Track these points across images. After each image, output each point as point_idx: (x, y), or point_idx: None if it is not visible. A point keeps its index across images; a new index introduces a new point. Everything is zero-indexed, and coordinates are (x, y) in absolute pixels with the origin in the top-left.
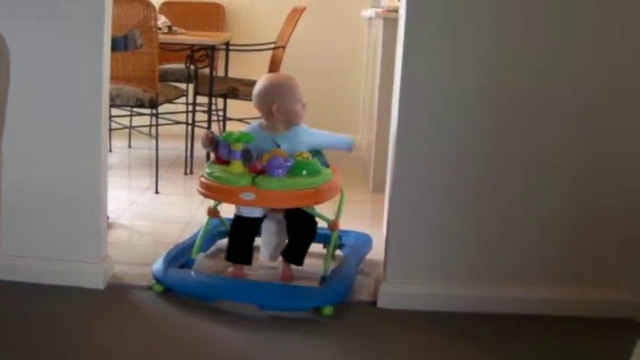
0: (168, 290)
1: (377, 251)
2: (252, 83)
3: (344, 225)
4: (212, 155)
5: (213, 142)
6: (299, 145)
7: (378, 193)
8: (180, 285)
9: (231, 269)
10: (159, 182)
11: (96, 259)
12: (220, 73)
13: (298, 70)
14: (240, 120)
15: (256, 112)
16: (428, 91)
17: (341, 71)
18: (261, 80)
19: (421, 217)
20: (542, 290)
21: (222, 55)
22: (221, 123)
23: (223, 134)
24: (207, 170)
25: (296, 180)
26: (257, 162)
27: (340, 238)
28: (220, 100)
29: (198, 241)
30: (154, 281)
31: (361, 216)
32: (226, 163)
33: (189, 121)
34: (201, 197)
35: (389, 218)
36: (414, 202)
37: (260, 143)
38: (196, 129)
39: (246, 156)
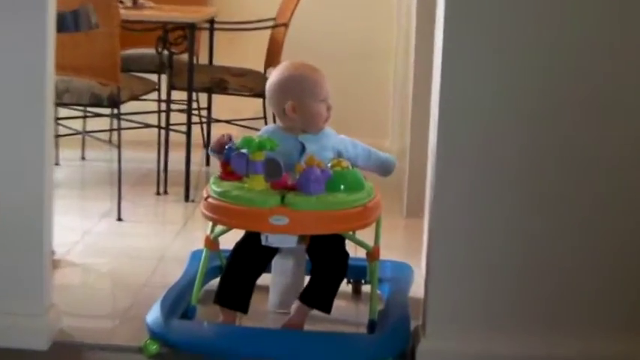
0: (165, 350)
1: (413, 290)
2: (244, 73)
3: None
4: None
5: (224, 149)
6: (326, 149)
7: (414, 218)
8: (191, 340)
9: (221, 318)
10: (122, 206)
11: (37, 309)
12: (203, 60)
13: (305, 55)
14: (228, 122)
15: (249, 112)
16: (475, 86)
17: (363, 57)
18: (276, 71)
19: (471, 252)
20: (612, 343)
21: (205, 36)
22: (204, 126)
23: (240, 140)
24: (216, 189)
25: (338, 197)
26: (287, 175)
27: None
28: (203, 96)
29: (197, 283)
30: (148, 339)
31: (393, 249)
32: (237, 178)
33: (163, 124)
34: (178, 226)
35: (429, 253)
36: (461, 230)
37: (282, 146)
38: (172, 134)
39: (272, 168)
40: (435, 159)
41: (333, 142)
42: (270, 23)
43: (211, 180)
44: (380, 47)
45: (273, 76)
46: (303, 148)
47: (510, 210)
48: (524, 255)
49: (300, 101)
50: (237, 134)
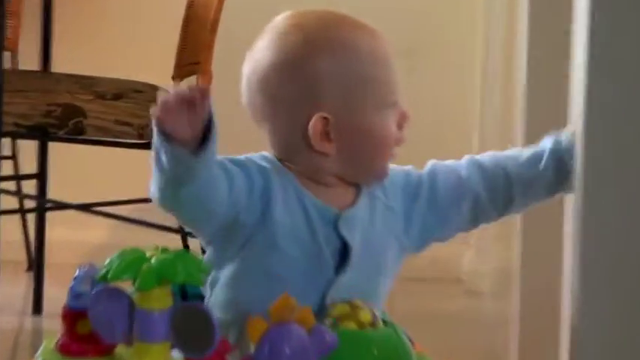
0: None
1: None
2: (125, 91)
3: None
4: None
5: (205, 110)
6: (392, 236)
7: None
8: None
9: None
10: None
11: None
12: (28, 62)
13: None
14: (86, 208)
15: (136, 186)
16: None
17: (416, 59)
18: (274, 34)
19: None
20: None
21: (33, 9)
22: (30, 218)
23: (113, 260)
24: None
25: None
26: (223, 346)
27: None
28: (28, 147)
29: None
30: None
31: None
32: (102, 351)
33: None
34: None
35: None
36: None
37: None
38: None
39: (193, 330)
40: (577, 303)
41: (404, 205)
42: None
43: (40, 354)
44: (450, 47)
45: (269, 50)
46: (343, 249)
47: None
48: None
49: (344, 113)
50: (110, 243)
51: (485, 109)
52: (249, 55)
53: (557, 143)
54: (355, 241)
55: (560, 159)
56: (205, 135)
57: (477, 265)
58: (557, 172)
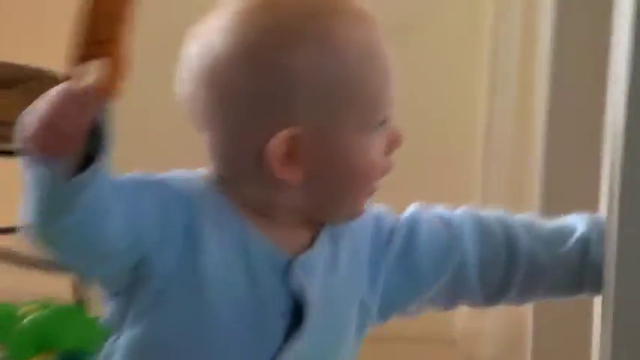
0: None
1: None
2: (13, 81)
3: None
4: None
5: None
6: (354, 294)
7: None
8: None
9: None
10: None
11: None
12: None
13: None
14: None
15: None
16: None
17: (410, 36)
18: (242, 7)
19: None
20: None
21: None
22: None
23: None
24: None
25: None
26: None
27: None
28: None
29: None
30: None
31: None
32: None
33: None
34: None
35: None
36: None
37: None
38: None
39: None
40: None
41: (371, 255)
42: None
43: None
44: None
45: (227, 33)
46: (296, 306)
47: None
48: None
49: (319, 132)
50: None
51: (495, 100)
52: (195, 35)
53: (591, 227)
54: (313, 295)
55: (590, 249)
56: (92, 146)
57: (475, 324)
58: (583, 263)
